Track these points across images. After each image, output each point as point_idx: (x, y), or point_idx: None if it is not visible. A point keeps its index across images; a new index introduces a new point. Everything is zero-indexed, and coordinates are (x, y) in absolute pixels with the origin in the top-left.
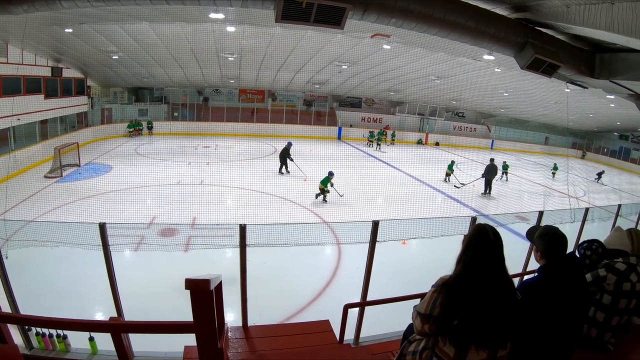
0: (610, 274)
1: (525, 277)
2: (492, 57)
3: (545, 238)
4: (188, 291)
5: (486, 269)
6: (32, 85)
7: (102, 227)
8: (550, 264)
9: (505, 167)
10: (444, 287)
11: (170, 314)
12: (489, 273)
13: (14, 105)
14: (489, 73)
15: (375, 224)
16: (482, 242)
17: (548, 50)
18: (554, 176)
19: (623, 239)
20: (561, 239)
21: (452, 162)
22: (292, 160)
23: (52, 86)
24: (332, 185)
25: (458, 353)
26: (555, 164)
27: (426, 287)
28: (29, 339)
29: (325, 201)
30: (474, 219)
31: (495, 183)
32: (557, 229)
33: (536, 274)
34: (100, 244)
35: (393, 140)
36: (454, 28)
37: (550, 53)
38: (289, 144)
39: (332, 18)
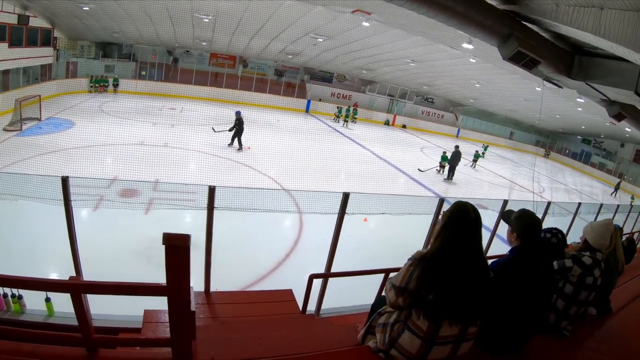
0: (576, 266)
1: (495, 259)
2: (470, 47)
3: (522, 220)
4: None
5: (464, 246)
6: None
7: (65, 181)
8: (525, 245)
9: (476, 155)
10: (421, 260)
11: (127, 277)
12: (466, 250)
13: None
14: (463, 62)
15: (346, 196)
16: (462, 219)
17: (531, 45)
18: (483, 155)
19: (605, 234)
20: (537, 221)
21: (444, 153)
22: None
23: (18, 35)
24: None
25: (432, 327)
26: (487, 146)
27: (384, 263)
28: None
29: None
30: (441, 200)
31: (461, 171)
32: (533, 212)
33: (508, 254)
34: (62, 198)
35: (355, 118)
36: (443, 10)
37: (533, 48)
38: (240, 112)
39: None
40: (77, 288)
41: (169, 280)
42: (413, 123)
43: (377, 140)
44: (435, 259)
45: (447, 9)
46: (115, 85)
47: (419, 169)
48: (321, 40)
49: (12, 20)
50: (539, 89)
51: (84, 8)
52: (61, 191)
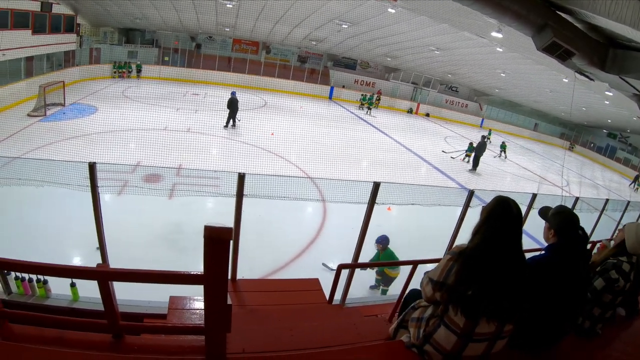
0: (621, 277)
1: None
2: (499, 35)
3: (560, 216)
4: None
5: (505, 242)
6: (19, 20)
7: (92, 167)
8: (564, 242)
9: (503, 146)
10: (460, 255)
11: (151, 262)
12: (507, 246)
13: (1, 40)
14: (490, 51)
15: (377, 185)
16: (504, 215)
17: (566, 35)
18: (489, 140)
19: None
20: (575, 218)
21: (471, 143)
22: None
23: (41, 22)
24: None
25: (469, 323)
26: (490, 131)
27: (406, 254)
28: (7, 284)
29: None
30: (471, 192)
31: (486, 162)
32: (570, 209)
33: (545, 251)
34: (88, 184)
35: (374, 103)
36: None
37: (568, 39)
38: (234, 94)
39: None
40: (107, 276)
41: (206, 271)
42: (437, 112)
43: (400, 129)
44: (475, 254)
45: None
46: (138, 71)
47: (443, 151)
48: (345, 26)
49: (35, 7)
50: (566, 80)
51: None
52: (86, 176)
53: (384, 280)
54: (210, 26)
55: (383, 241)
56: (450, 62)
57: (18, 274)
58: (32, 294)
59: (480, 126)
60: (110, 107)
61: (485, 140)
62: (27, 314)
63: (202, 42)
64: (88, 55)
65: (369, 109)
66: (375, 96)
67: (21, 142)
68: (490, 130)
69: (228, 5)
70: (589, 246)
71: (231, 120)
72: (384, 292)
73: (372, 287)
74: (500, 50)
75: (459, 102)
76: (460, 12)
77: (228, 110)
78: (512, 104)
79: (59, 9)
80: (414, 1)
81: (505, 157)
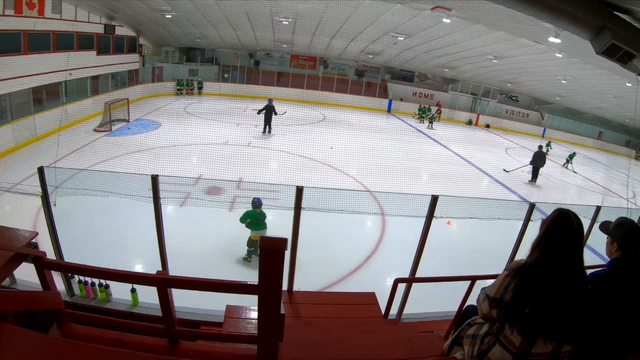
0: None
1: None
2: (557, 40)
3: (623, 228)
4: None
5: (565, 258)
6: (84, 42)
7: (155, 179)
8: (628, 255)
9: (570, 156)
10: (519, 271)
11: (210, 272)
12: (567, 262)
13: (67, 61)
14: (549, 57)
15: (434, 199)
16: (564, 229)
17: (625, 37)
18: (547, 152)
19: None
20: (639, 230)
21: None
22: (275, 114)
23: (105, 43)
24: None
25: (525, 343)
26: (549, 142)
27: (466, 269)
28: (71, 286)
29: None
30: (532, 206)
31: (548, 174)
32: (633, 220)
33: (607, 266)
34: (151, 196)
35: (435, 117)
36: (533, 2)
37: (627, 40)
38: (271, 101)
39: None
40: (165, 282)
41: (261, 281)
42: (497, 123)
43: (460, 141)
44: (534, 270)
45: (537, 2)
46: (200, 88)
47: (504, 169)
48: (401, 38)
49: (99, 30)
50: (630, 85)
51: (167, 16)
52: (149, 188)
53: (250, 242)
54: (267, 43)
55: (254, 202)
56: (509, 70)
57: (81, 277)
58: (94, 297)
59: (542, 136)
60: (173, 123)
61: (544, 150)
62: (88, 315)
63: (260, 58)
64: (151, 74)
65: (431, 122)
66: (435, 109)
67: (88, 155)
68: (549, 141)
69: (284, 22)
70: None
71: (267, 127)
72: (249, 254)
73: (244, 259)
74: (560, 55)
75: (519, 112)
76: (516, 19)
77: (264, 117)
78: (574, 112)
79: (121, 31)
80: (468, 10)
81: (567, 167)
